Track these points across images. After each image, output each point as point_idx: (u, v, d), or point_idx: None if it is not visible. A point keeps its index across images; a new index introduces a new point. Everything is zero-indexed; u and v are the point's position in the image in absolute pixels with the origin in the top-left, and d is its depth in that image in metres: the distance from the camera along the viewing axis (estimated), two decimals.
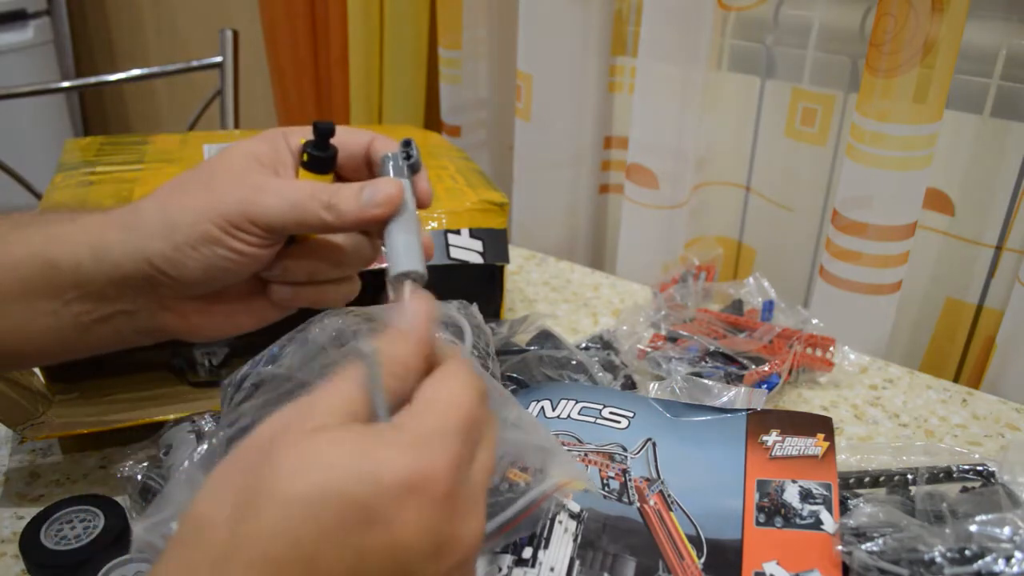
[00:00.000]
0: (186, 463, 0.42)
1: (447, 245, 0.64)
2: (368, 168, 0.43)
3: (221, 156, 0.41)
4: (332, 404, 0.30)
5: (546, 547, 0.45)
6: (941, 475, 0.51)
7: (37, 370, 0.59)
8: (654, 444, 0.53)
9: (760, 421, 0.54)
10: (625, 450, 0.53)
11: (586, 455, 0.52)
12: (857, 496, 0.50)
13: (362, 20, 1.23)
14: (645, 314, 0.74)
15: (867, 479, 0.52)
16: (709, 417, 0.56)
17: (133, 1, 1.98)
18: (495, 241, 0.67)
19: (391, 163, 0.41)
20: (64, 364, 0.59)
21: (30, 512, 0.51)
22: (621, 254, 0.99)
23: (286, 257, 0.43)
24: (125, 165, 0.69)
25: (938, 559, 0.41)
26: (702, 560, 0.45)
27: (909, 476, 0.51)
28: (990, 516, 0.42)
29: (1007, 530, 0.41)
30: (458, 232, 0.65)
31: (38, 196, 1.11)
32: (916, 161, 0.72)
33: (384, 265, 0.38)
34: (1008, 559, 0.40)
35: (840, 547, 0.43)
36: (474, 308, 0.59)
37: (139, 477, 0.50)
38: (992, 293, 0.82)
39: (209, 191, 0.40)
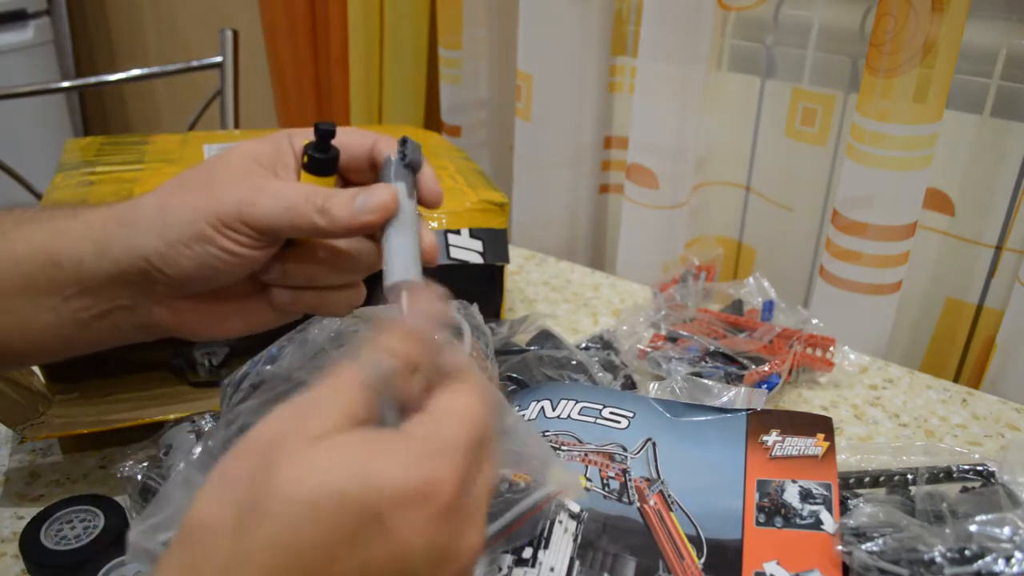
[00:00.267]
0: (183, 464, 0.42)
1: (447, 245, 0.64)
2: (372, 170, 0.43)
3: (221, 156, 0.41)
4: (332, 408, 0.30)
5: (546, 547, 0.45)
6: (941, 475, 0.51)
7: (37, 370, 0.59)
8: (654, 444, 0.53)
9: (760, 421, 0.54)
10: (625, 450, 0.53)
11: (586, 455, 0.52)
12: (857, 496, 0.50)
13: (362, 20, 1.23)
14: (645, 314, 0.74)
15: (867, 479, 0.52)
16: (709, 417, 0.56)
17: (133, 1, 1.98)
18: (495, 241, 0.67)
19: (392, 167, 0.41)
20: (64, 364, 0.59)
21: (30, 512, 0.51)
22: (621, 254, 0.99)
23: (284, 260, 0.42)
24: (125, 165, 0.69)
25: (938, 559, 0.41)
26: (702, 560, 0.45)
27: (909, 476, 0.51)
28: (990, 516, 0.42)
29: (1007, 530, 0.41)
30: (458, 232, 0.65)
31: (38, 196, 1.11)
32: (916, 161, 0.72)
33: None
34: (1008, 559, 0.40)
35: (840, 547, 0.43)
36: (474, 308, 0.59)
37: (139, 477, 0.50)
38: (992, 293, 0.82)
39: (206, 190, 0.40)
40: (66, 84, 1.16)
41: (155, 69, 1.14)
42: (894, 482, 0.52)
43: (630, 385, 0.65)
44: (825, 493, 0.47)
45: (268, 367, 0.50)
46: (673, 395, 0.61)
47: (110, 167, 0.68)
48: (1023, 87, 0.76)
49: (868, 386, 0.71)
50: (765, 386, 0.64)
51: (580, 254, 1.11)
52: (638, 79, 0.89)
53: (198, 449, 0.43)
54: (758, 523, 0.47)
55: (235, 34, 1.14)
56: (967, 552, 0.41)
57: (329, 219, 0.39)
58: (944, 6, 0.66)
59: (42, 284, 0.40)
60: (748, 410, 0.56)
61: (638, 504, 0.49)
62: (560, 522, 0.46)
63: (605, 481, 0.50)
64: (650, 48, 0.88)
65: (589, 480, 0.50)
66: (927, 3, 0.66)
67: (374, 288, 0.48)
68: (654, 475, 0.51)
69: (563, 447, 0.53)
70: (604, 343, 0.71)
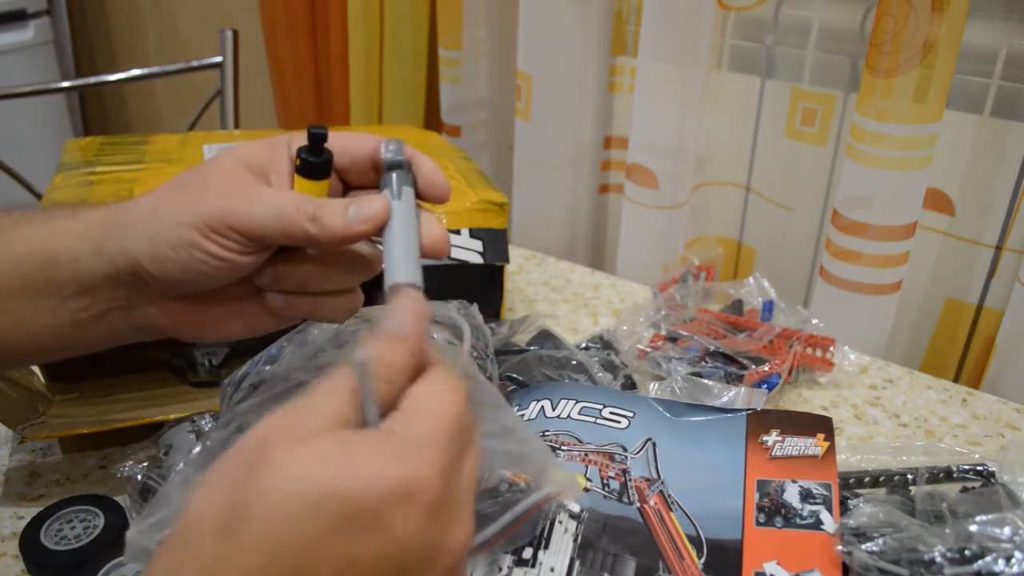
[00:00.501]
0: (182, 464, 0.42)
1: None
2: (376, 172, 0.43)
3: (215, 159, 0.41)
4: (322, 410, 0.30)
5: (546, 547, 0.45)
6: (941, 475, 0.51)
7: (37, 370, 0.59)
8: (654, 444, 0.53)
9: (760, 421, 0.54)
10: (625, 450, 0.53)
11: (586, 455, 0.52)
12: (857, 496, 0.50)
13: (362, 20, 1.23)
14: (645, 314, 0.74)
15: (867, 479, 0.52)
16: (709, 417, 0.56)
17: (133, 1, 1.98)
18: (495, 241, 0.67)
19: (391, 175, 0.41)
20: (64, 364, 0.59)
21: (30, 512, 0.51)
22: (621, 254, 0.99)
23: (277, 264, 0.42)
24: (125, 165, 0.69)
25: (938, 559, 0.41)
26: (702, 560, 0.45)
27: (909, 476, 0.51)
28: (990, 516, 0.42)
29: (1007, 530, 0.41)
30: (458, 232, 0.65)
31: (38, 196, 1.11)
32: (916, 161, 0.72)
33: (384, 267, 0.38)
34: (1008, 559, 0.40)
35: (840, 547, 0.43)
36: (474, 308, 0.59)
37: (139, 477, 0.50)
38: (992, 293, 0.82)
39: (196, 193, 0.40)
40: (66, 84, 1.16)
41: (155, 69, 1.14)
42: (894, 482, 0.52)
43: (630, 385, 0.65)
44: (825, 493, 0.47)
45: (268, 367, 0.50)
46: (673, 395, 0.61)
47: (110, 167, 0.68)
48: (1023, 87, 0.76)
49: (868, 386, 0.71)
50: (765, 386, 0.64)
51: (580, 254, 1.11)
52: (638, 79, 0.89)
53: (198, 449, 0.43)
54: (758, 523, 0.47)
55: (235, 34, 1.14)
56: (967, 552, 0.41)
57: (321, 228, 0.38)
58: (944, 6, 0.66)
59: (41, 284, 0.41)
60: (748, 410, 0.56)
61: (638, 504, 0.49)
62: (560, 522, 0.46)
63: (605, 481, 0.50)
64: (650, 48, 0.87)
65: (589, 480, 0.50)
66: (927, 3, 0.66)
67: (378, 289, 0.48)
68: (654, 475, 0.51)
69: (563, 447, 0.53)
70: (604, 343, 0.71)
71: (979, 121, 0.78)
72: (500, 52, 1.13)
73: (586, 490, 0.49)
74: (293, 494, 0.27)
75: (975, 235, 0.82)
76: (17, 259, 0.40)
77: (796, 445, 0.51)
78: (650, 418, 0.56)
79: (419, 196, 0.41)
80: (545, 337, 0.69)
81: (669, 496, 0.49)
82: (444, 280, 0.69)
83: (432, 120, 1.29)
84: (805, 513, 0.47)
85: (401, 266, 0.37)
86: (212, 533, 0.28)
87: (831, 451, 0.50)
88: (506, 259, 0.67)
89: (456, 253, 0.65)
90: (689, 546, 0.46)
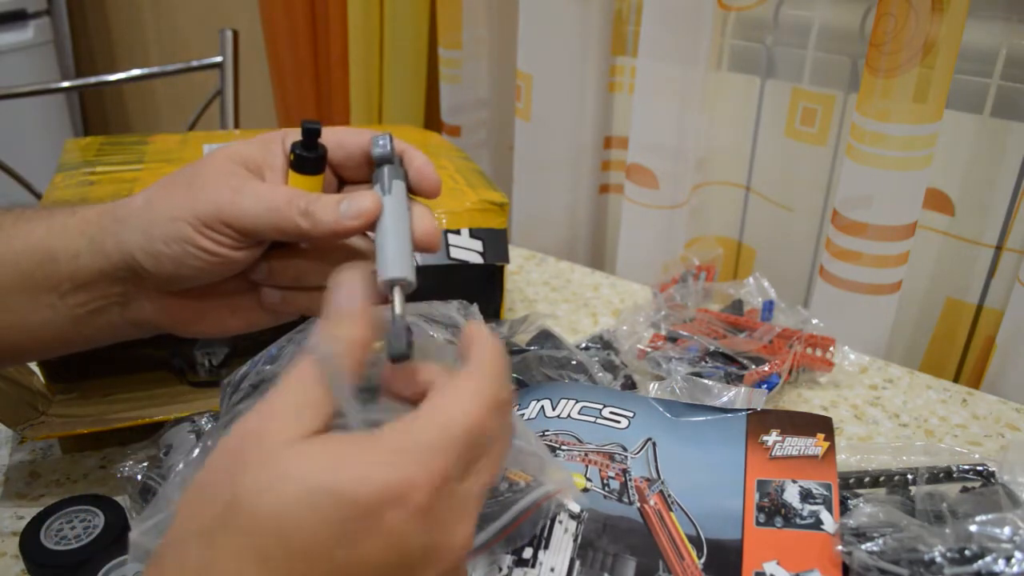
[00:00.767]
0: (182, 464, 0.42)
1: (447, 245, 0.64)
2: (370, 168, 0.43)
3: (209, 156, 0.41)
4: (294, 406, 0.30)
5: (546, 547, 0.45)
6: (941, 475, 0.51)
7: (37, 369, 0.59)
8: (654, 444, 0.53)
9: (760, 421, 0.54)
10: (625, 450, 0.53)
11: (586, 455, 0.52)
12: (857, 496, 0.50)
13: (362, 20, 1.23)
14: (645, 314, 0.74)
15: (867, 479, 0.52)
16: (709, 417, 0.56)
17: (133, 1, 1.98)
18: (495, 241, 0.67)
19: (383, 169, 0.41)
20: (64, 363, 0.59)
21: (30, 512, 0.51)
22: (621, 254, 0.99)
23: (271, 259, 0.43)
24: (125, 165, 0.69)
25: (938, 559, 0.41)
26: (702, 560, 0.45)
27: (909, 476, 0.51)
28: (990, 516, 0.42)
29: (1007, 530, 0.41)
30: (458, 232, 0.65)
31: (38, 196, 1.11)
32: (916, 161, 0.72)
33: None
34: (1008, 559, 0.40)
35: (840, 547, 0.43)
36: (474, 308, 0.58)
37: (139, 477, 0.50)
38: (992, 293, 0.82)
39: (190, 189, 0.40)
40: (66, 84, 1.16)
41: (155, 69, 1.14)
42: (894, 482, 0.52)
43: (630, 385, 0.65)
44: (825, 493, 0.47)
45: (268, 367, 0.50)
46: (673, 395, 0.61)
47: (110, 167, 0.68)
48: (1023, 87, 0.76)
49: (868, 386, 0.71)
50: (765, 386, 0.64)
51: (580, 254, 1.11)
52: (638, 79, 0.89)
53: (198, 449, 0.43)
54: (758, 523, 0.47)
55: (235, 34, 1.14)
56: (967, 552, 0.41)
57: (313, 223, 0.39)
58: (944, 6, 0.66)
59: (39, 280, 0.41)
60: (748, 410, 0.56)
61: (638, 504, 0.49)
62: (560, 522, 0.46)
63: (605, 481, 0.50)
64: (650, 48, 0.87)
65: (589, 480, 0.50)
66: (927, 3, 0.66)
67: None
68: (654, 475, 0.51)
69: (563, 447, 0.53)
70: (604, 343, 0.71)
71: (979, 121, 0.78)
72: (500, 52, 1.13)
73: (586, 490, 0.49)
74: (277, 505, 0.27)
75: (975, 235, 0.82)
76: (16, 255, 0.41)
77: (796, 445, 0.51)
78: (650, 418, 0.56)
79: (411, 190, 0.41)
80: (545, 337, 0.69)
81: (669, 496, 0.49)
82: (444, 280, 0.68)
83: (432, 120, 1.29)
84: (805, 513, 0.46)
85: (392, 260, 0.37)
86: (198, 541, 0.28)
87: (831, 451, 0.50)
88: (506, 259, 0.67)
89: (456, 253, 0.65)
90: (689, 546, 0.46)
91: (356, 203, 0.38)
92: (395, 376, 0.34)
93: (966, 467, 0.52)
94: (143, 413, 0.57)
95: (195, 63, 1.14)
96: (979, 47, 0.76)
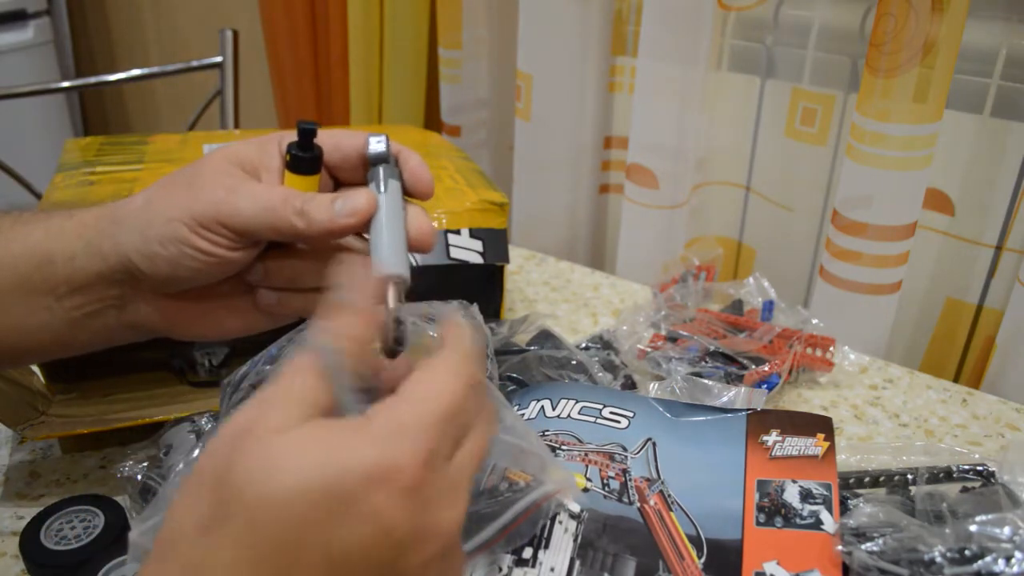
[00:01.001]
0: (182, 464, 0.42)
1: (447, 245, 0.64)
2: (365, 169, 0.43)
3: (206, 158, 0.42)
4: (291, 397, 0.30)
5: (546, 547, 0.45)
6: (941, 475, 0.51)
7: (37, 370, 0.59)
8: (654, 444, 0.53)
9: (760, 421, 0.54)
10: (625, 450, 0.53)
11: (586, 455, 0.52)
12: (857, 496, 0.50)
13: (362, 20, 1.23)
14: (645, 314, 0.74)
15: (867, 479, 0.52)
16: (709, 417, 0.56)
17: (133, 1, 1.98)
18: (495, 241, 0.67)
19: (378, 168, 0.41)
20: (64, 364, 0.59)
21: (30, 512, 0.51)
22: (621, 254, 0.99)
23: (267, 260, 0.43)
24: (125, 165, 0.69)
25: (938, 559, 0.41)
26: (702, 560, 0.45)
27: (909, 476, 0.51)
28: (990, 516, 0.42)
29: (1007, 530, 0.41)
30: (458, 232, 0.65)
31: (38, 196, 1.11)
32: (916, 161, 0.72)
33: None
34: (1008, 559, 0.40)
35: (840, 547, 0.43)
36: (474, 308, 0.58)
37: (139, 477, 0.50)
38: (992, 293, 0.82)
39: (186, 190, 0.40)
40: (66, 84, 1.16)
41: (155, 69, 1.14)
42: (894, 482, 0.52)
43: (630, 385, 0.65)
44: (825, 493, 0.47)
45: (268, 367, 0.50)
46: (673, 395, 0.61)
47: (110, 167, 0.68)
48: (1023, 87, 0.76)
49: (868, 386, 0.71)
50: (765, 386, 0.64)
51: (580, 254, 1.11)
52: (638, 79, 0.89)
53: (198, 449, 0.43)
54: (758, 523, 0.47)
55: (235, 34, 1.14)
56: (967, 552, 0.41)
57: (308, 221, 0.39)
58: (944, 6, 0.66)
59: (37, 283, 0.41)
60: (748, 410, 0.56)
61: (638, 504, 0.49)
62: (560, 522, 0.46)
63: (605, 481, 0.50)
64: (650, 48, 0.87)
65: (589, 480, 0.50)
66: (927, 3, 0.66)
67: None
68: (654, 475, 0.51)
69: (563, 447, 0.53)
70: (604, 343, 0.71)
71: (979, 121, 0.78)
72: (500, 52, 1.13)
73: (586, 490, 0.49)
74: (270, 490, 0.27)
75: (975, 235, 0.82)
76: (14, 258, 0.41)
77: (796, 445, 0.51)
78: (650, 418, 0.56)
79: (405, 191, 0.41)
80: (545, 337, 0.69)
81: (669, 496, 0.49)
82: (444, 280, 0.68)
83: (432, 120, 1.29)
84: (805, 513, 0.46)
85: (387, 257, 0.37)
86: (195, 533, 0.28)
87: (831, 451, 0.50)
88: (506, 259, 0.67)
89: (456, 253, 0.65)
90: (689, 546, 0.46)
91: (351, 201, 0.38)
92: (389, 371, 0.34)
93: (966, 467, 0.52)
94: (143, 413, 0.57)
95: (195, 63, 1.14)
96: (979, 47, 0.76)
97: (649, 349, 0.69)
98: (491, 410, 0.34)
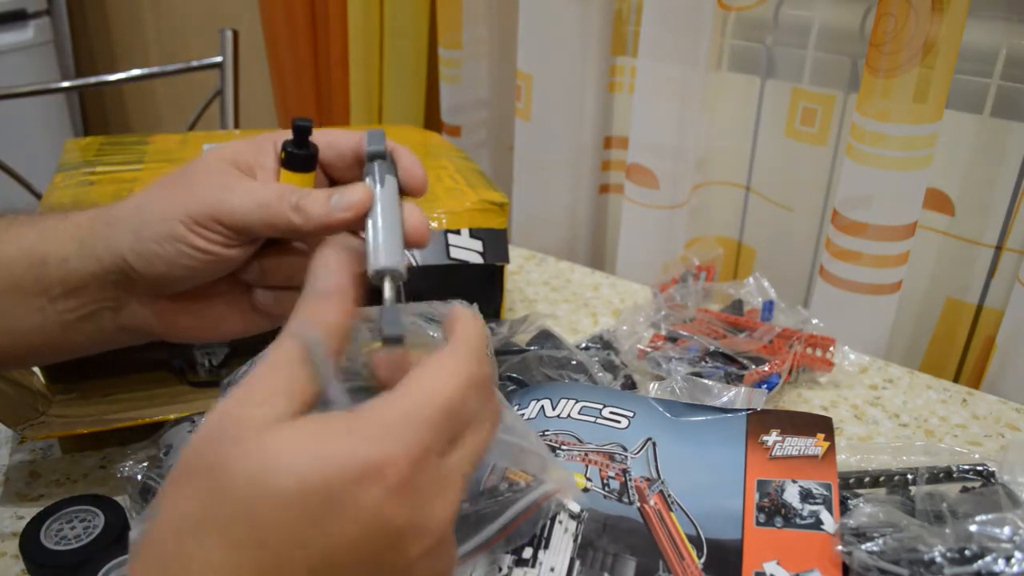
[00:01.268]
0: None
1: (447, 245, 0.64)
2: (360, 168, 0.43)
3: (202, 157, 0.42)
4: (273, 389, 0.30)
5: (546, 547, 0.45)
6: (941, 475, 0.51)
7: (37, 370, 0.59)
8: (654, 444, 0.53)
9: (760, 421, 0.54)
10: (625, 450, 0.53)
11: (586, 455, 0.52)
12: (857, 496, 0.50)
13: (362, 20, 1.23)
14: (645, 314, 0.74)
15: (867, 479, 0.52)
16: (709, 417, 0.56)
17: (133, 1, 1.98)
18: (495, 241, 0.67)
19: (373, 164, 0.41)
20: (64, 364, 0.58)
21: (30, 512, 0.51)
22: (621, 254, 0.99)
23: (263, 259, 0.42)
24: (125, 165, 0.69)
25: (938, 559, 0.41)
26: (702, 560, 0.45)
27: (909, 476, 0.51)
28: (990, 516, 0.42)
29: (1007, 530, 0.41)
30: (458, 232, 0.65)
31: (38, 196, 1.11)
32: (916, 161, 0.72)
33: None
34: (1008, 559, 0.40)
35: (840, 547, 0.43)
36: (474, 308, 0.58)
37: (139, 477, 0.50)
38: (992, 293, 0.82)
39: (181, 189, 0.40)
40: (66, 84, 1.16)
41: (155, 69, 1.14)
42: (894, 482, 0.52)
43: (630, 385, 0.65)
44: (825, 493, 0.47)
45: None
46: (673, 395, 0.61)
47: (110, 167, 0.68)
48: (1023, 87, 0.76)
49: (868, 386, 0.71)
50: (765, 386, 0.64)
51: (580, 254, 1.11)
52: (638, 79, 0.89)
53: None
54: (758, 523, 0.47)
55: (235, 34, 1.14)
56: (967, 552, 0.41)
57: (304, 216, 0.38)
58: (944, 6, 0.66)
59: (29, 284, 0.41)
60: (748, 410, 0.56)
61: (638, 504, 0.49)
62: (560, 522, 0.46)
63: (605, 481, 0.50)
64: (650, 48, 0.87)
65: (589, 480, 0.50)
66: (927, 3, 0.66)
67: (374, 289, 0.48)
68: (654, 475, 0.51)
69: (563, 447, 0.53)
70: (604, 343, 0.71)
71: (979, 121, 0.78)
72: (500, 52, 1.13)
73: (586, 490, 0.49)
74: (265, 488, 0.27)
75: (975, 235, 0.82)
76: (9, 260, 0.41)
77: (796, 445, 0.51)
78: (650, 418, 0.56)
79: (400, 188, 0.41)
80: (545, 337, 0.69)
81: (669, 496, 0.49)
82: (444, 280, 0.68)
83: (432, 120, 1.29)
84: (805, 513, 0.47)
85: (382, 251, 0.37)
86: (181, 535, 0.28)
87: (831, 451, 0.50)
88: (506, 259, 0.67)
89: (456, 253, 0.65)
90: (689, 546, 0.46)
91: (347, 196, 0.38)
92: (386, 364, 0.34)
93: (966, 467, 0.52)
94: (143, 413, 0.57)
95: (195, 63, 1.14)
96: (979, 47, 0.76)
97: (649, 349, 0.69)
98: (495, 409, 0.33)
